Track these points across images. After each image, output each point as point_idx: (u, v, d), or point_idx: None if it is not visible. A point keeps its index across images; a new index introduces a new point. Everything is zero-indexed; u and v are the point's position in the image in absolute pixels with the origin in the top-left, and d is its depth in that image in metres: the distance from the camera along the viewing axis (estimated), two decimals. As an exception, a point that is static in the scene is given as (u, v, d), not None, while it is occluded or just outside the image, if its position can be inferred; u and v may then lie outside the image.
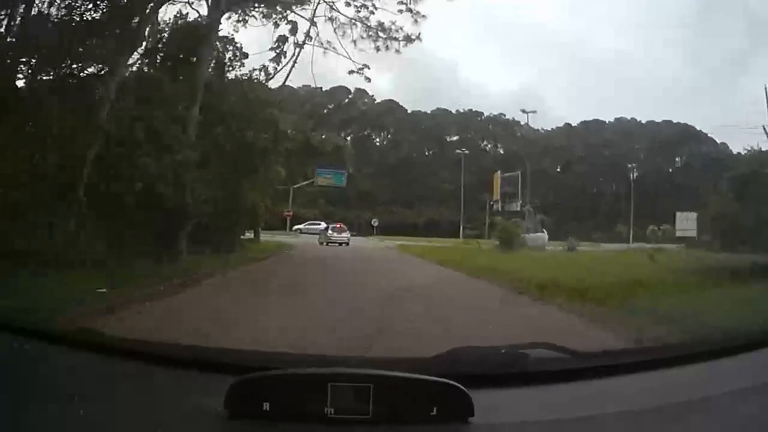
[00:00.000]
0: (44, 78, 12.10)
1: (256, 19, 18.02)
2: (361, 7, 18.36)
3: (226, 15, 16.78)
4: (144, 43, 14.57)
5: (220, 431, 1.39)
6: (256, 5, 17.79)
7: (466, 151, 50.65)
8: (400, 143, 57.45)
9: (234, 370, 1.53)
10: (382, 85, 76.83)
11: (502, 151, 57.17)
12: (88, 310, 6.33)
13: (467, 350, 1.94)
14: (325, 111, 53.15)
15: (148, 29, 14.21)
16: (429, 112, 59.01)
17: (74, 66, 12.38)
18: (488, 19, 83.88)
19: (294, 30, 18.83)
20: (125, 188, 11.52)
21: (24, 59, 11.60)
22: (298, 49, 18.74)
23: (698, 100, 69.49)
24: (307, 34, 18.80)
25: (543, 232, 30.27)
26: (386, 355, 4.64)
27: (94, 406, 1.47)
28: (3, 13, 10.96)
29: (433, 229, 43.19)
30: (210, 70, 16.20)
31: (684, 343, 3.55)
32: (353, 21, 18.48)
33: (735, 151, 39.24)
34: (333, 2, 18.54)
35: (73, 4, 11.89)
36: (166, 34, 15.45)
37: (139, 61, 15.02)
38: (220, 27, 16.43)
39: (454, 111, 58.68)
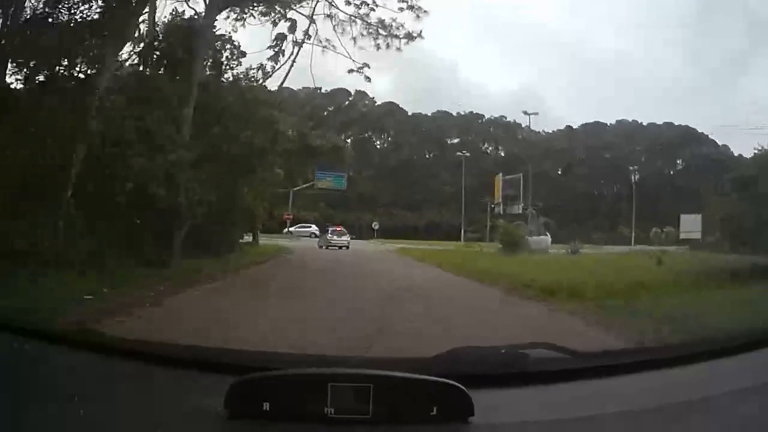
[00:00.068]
0: (34, 77, 11.92)
1: (254, 17, 17.95)
2: (361, 3, 18.25)
3: (224, 15, 16.72)
4: (137, 40, 14.36)
5: (220, 431, 1.39)
6: (255, 3, 17.70)
7: (467, 154, 50.57)
8: (401, 145, 57.37)
9: (234, 371, 1.53)
10: (382, 87, 77.07)
11: (503, 154, 57.05)
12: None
13: (467, 350, 1.94)
14: (325, 113, 53.04)
15: (142, 26, 14.04)
16: (429, 114, 59.04)
17: (63, 63, 12.17)
18: (488, 19, 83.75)
19: (293, 28, 18.58)
20: (116, 188, 11.28)
21: (12, 58, 11.49)
22: (297, 48, 18.56)
23: (698, 100, 69.60)
24: (306, 32, 18.67)
25: (546, 235, 30.16)
26: (386, 355, 4.65)
27: (94, 406, 1.47)
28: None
29: (433, 231, 43.04)
30: (207, 69, 16.05)
31: (684, 343, 3.55)
32: (353, 18, 18.33)
33: (736, 153, 39.45)
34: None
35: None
36: (159, 31, 15.17)
37: (132, 59, 14.79)
38: (217, 27, 16.28)
39: (454, 113, 58.75)
